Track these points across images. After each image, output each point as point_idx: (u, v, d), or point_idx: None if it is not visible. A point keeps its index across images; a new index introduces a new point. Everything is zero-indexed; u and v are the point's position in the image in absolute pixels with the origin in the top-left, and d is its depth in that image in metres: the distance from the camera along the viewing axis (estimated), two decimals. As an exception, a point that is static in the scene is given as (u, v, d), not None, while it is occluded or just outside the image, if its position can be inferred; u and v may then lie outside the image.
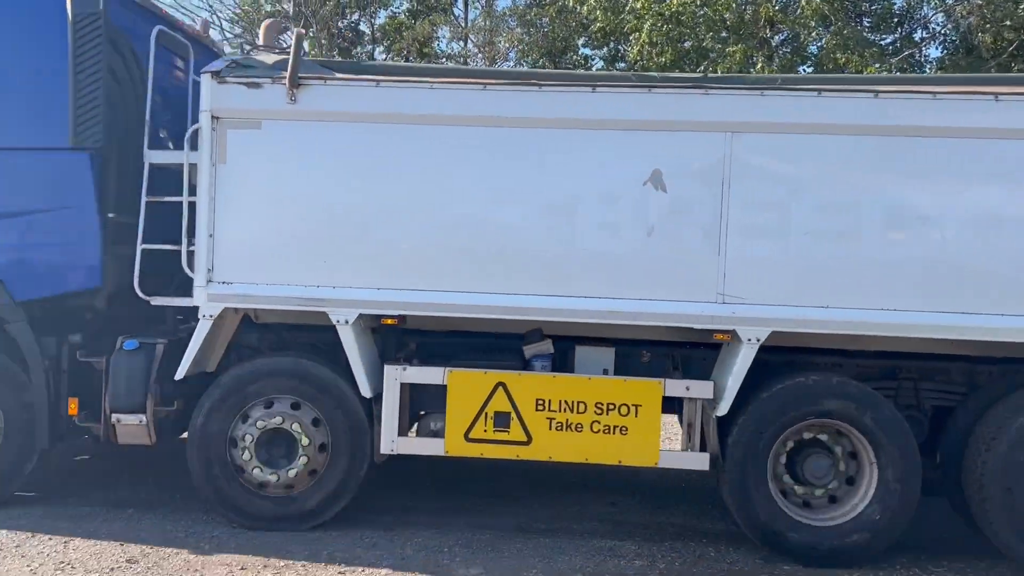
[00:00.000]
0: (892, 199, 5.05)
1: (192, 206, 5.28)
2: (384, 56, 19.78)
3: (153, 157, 5.44)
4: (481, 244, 5.22)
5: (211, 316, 5.26)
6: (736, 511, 5.22)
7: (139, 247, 5.36)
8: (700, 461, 5.20)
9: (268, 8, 18.57)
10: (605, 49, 19.33)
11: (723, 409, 5.10)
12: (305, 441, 5.32)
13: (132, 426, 5.39)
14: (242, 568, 4.79)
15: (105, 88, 5.28)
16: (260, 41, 6.27)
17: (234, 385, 5.39)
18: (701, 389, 5.19)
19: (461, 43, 20.75)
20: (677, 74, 7.67)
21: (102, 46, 5.26)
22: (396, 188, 5.23)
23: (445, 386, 5.24)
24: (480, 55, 19.60)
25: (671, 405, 5.40)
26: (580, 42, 19.45)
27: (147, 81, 5.51)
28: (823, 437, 5.22)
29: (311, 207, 5.27)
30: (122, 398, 5.35)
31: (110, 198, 5.44)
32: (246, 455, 5.33)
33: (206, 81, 5.23)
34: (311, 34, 17.13)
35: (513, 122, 5.16)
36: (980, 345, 5.17)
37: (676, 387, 5.19)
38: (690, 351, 5.58)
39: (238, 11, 18.72)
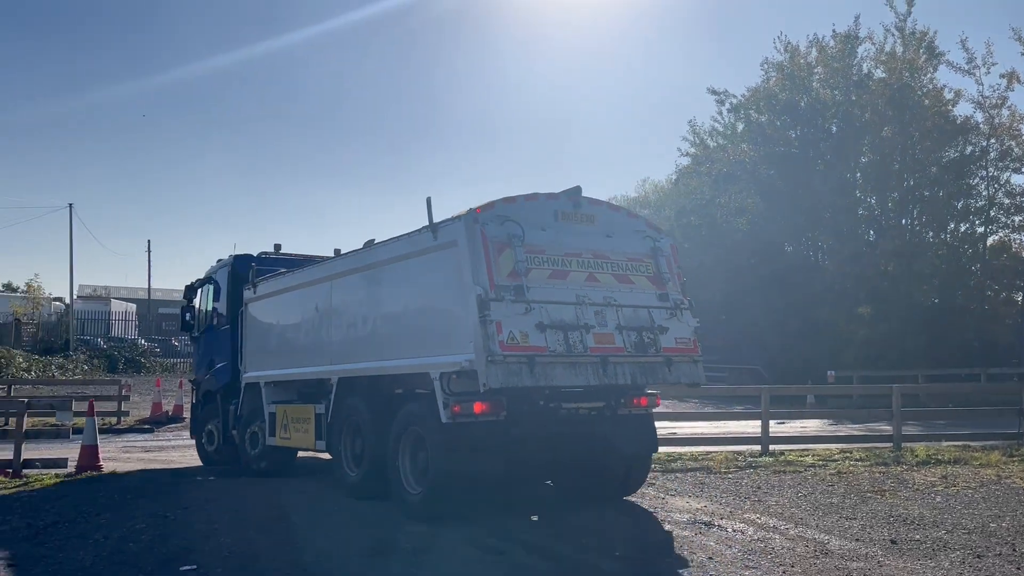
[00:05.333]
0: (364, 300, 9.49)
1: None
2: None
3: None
4: (290, 348, 11.40)
5: (245, 384, 12.57)
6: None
7: (239, 359, 13.06)
8: (323, 447, 10.14)
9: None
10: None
11: (327, 419, 10.02)
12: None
13: (234, 433, 12.95)
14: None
15: (232, 302, 13.32)
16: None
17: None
18: (320, 408, 10.19)
19: None
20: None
21: (231, 290, 13.39)
22: (278, 323, 11.86)
23: (275, 413, 11.43)
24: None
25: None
26: None
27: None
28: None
29: (260, 336, 12.28)
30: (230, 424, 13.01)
31: (239, 344, 13.33)
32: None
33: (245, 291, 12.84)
34: None
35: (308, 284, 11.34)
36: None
37: (319, 408, 10.28)
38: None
39: None
